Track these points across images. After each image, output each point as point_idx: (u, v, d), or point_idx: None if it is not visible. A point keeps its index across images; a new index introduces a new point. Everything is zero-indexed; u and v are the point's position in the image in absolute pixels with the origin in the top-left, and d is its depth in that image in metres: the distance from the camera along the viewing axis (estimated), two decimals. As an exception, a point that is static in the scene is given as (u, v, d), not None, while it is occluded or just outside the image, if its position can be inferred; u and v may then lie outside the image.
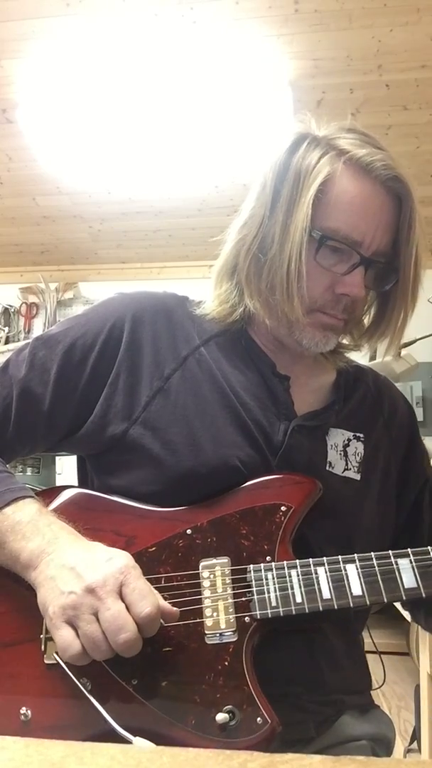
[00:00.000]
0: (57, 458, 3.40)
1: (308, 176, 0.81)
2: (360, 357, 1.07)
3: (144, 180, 3.17)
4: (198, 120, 2.71)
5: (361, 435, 0.91)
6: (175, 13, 2.20)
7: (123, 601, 0.66)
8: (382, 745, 0.86)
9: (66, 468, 3.34)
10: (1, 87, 2.57)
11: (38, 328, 3.98)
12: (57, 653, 0.69)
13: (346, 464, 0.88)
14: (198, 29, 2.26)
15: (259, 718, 0.66)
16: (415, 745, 1.96)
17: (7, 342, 3.93)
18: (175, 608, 0.70)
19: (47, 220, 3.57)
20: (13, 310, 4.06)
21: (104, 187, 3.25)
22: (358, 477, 0.88)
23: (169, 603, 0.70)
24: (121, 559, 0.68)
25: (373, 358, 2.19)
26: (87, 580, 0.66)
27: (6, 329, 3.99)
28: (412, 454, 0.97)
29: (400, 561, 0.72)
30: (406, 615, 1.86)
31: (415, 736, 1.95)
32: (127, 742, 0.62)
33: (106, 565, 0.67)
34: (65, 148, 2.92)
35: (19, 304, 4.06)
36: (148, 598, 0.66)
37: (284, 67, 2.44)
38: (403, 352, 2.31)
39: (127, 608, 0.65)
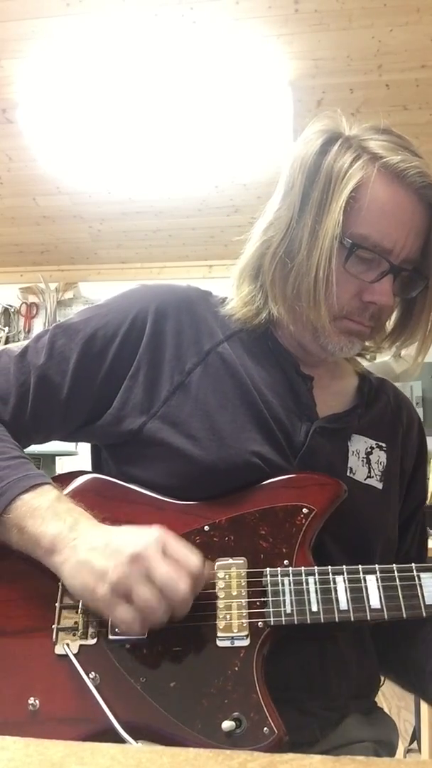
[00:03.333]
0: (57, 458, 3.39)
1: (340, 181, 0.79)
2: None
3: (144, 180, 3.17)
4: (198, 120, 2.71)
5: (384, 445, 0.90)
6: (175, 13, 2.20)
7: None
8: (385, 748, 0.85)
9: (66, 468, 3.33)
10: (1, 87, 2.57)
11: (38, 328, 3.98)
12: (68, 645, 0.70)
13: (369, 472, 0.87)
14: (198, 29, 2.26)
15: (265, 728, 0.64)
16: (415, 745, 1.96)
17: (7, 342, 3.93)
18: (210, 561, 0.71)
19: (47, 220, 3.58)
20: (13, 310, 4.06)
21: (104, 187, 3.25)
22: (380, 486, 0.87)
23: None
24: (153, 529, 0.69)
25: (373, 358, 2.18)
26: (129, 549, 0.66)
27: (6, 329, 3.99)
28: (418, 472, 0.96)
29: (423, 575, 0.70)
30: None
31: (415, 736, 1.95)
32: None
33: (140, 535, 0.68)
34: (65, 148, 2.92)
35: (19, 304, 4.07)
36: (192, 554, 0.67)
37: (284, 67, 2.44)
38: (403, 352, 2.31)
39: None
